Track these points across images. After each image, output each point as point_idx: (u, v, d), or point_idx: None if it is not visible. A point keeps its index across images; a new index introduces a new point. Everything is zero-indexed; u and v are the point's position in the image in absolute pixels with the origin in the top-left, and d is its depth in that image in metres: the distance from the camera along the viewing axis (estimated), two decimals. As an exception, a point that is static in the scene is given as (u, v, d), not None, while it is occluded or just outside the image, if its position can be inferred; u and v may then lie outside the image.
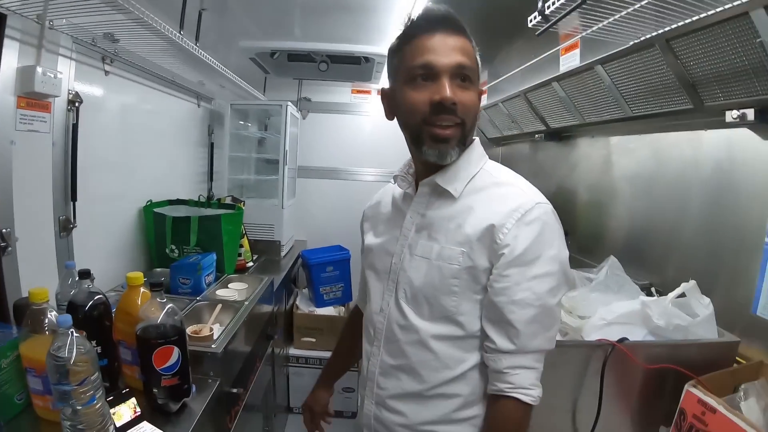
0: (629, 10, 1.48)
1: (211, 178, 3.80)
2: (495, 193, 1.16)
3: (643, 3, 1.42)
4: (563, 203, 3.05)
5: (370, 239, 1.39)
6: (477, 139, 1.26)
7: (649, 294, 2.00)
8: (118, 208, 2.47)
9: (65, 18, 1.68)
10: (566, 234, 2.69)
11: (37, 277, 1.76)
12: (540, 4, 1.65)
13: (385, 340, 1.25)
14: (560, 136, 3.21)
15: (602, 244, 2.68)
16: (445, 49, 1.10)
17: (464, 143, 1.18)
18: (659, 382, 1.54)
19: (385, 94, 1.27)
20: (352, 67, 3.60)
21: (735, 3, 1.30)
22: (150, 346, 1.34)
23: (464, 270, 1.12)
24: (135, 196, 2.62)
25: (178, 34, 2.00)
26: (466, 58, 1.12)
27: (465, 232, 1.13)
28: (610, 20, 1.58)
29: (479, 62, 1.18)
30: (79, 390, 1.10)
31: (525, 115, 3.21)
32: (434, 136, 1.12)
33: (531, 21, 1.72)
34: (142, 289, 1.48)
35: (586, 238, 2.78)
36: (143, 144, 2.64)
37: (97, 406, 1.15)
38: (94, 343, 1.40)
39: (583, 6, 1.47)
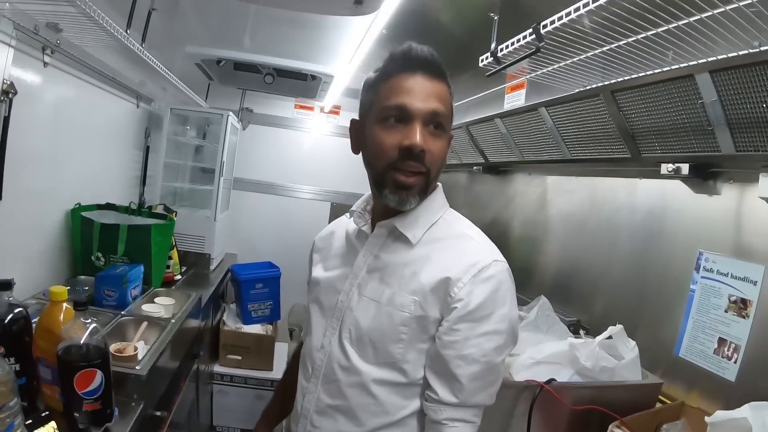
0: (580, 57, 1.53)
1: (143, 183, 3.66)
2: (453, 246, 1.14)
3: (594, 52, 1.47)
4: (497, 236, 3.08)
5: (319, 272, 1.33)
6: (440, 186, 1.23)
7: (578, 331, 2.07)
8: (43, 208, 2.32)
9: (9, 2, 1.60)
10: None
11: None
12: (493, 46, 1.69)
13: (323, 379, 1.19)
14: (498, 170, 3.29)
15: (533, 279, 2.75)
16: (423, 94, 1.07)
17: (426, 191, 1.15)
18: (585, 422, 1.58)
19: (354, 127, 1.23)
20: (298, 82, 3.59)
21: (682, 65, 1.38)
22: (72, 369, 1.26)
23: (414, 319, 1.09)
24: (62, 196, 2.47)
25: (124, 33, 1.93)
26: (442, 105, 1.09)
27: (420, 281, 1.10)
28: (560, 65, 1.64)
29: (453, 108, 1.16)
30: (-4, 416, 1.02)
31: (465, 147, 3.28)
32: (397, 182, 1.09)
33: (482, 61, 1.76)
34: (65, 305, 1.39)
35: (517, 272, 2.79)
36: (75, 142, 2.51)
37: (15, 433, 1.07)
38: (12, 360, 1.31)
39: (540, 41, 1.51)
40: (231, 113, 3.55)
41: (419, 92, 1.07)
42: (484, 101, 2.69)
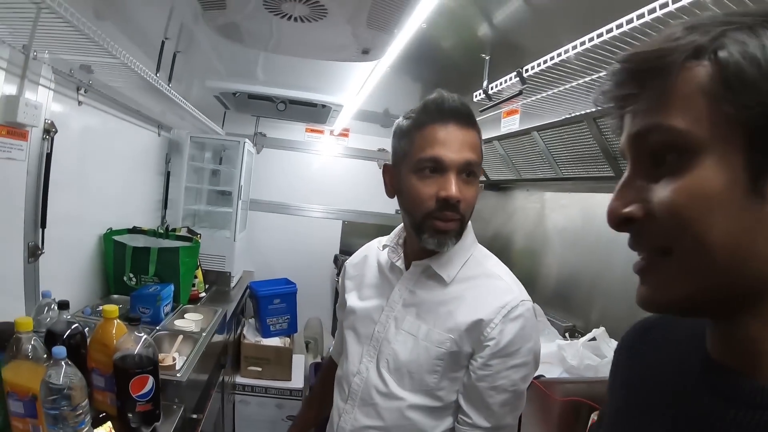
0: (563, 88, 1.70)
1: (165, 206, 3.88)
2: (484, 285, 1.21)
3: (575, 83, 1.64)
4: (500, 249, 3.30)
5: (354, 301, 1.40)
6: (469, 224, 1.27)
7: (574, 335, 2.26)
8: (78, 233, 2.53)
9: (48, 51, 1.76)
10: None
11: (5, 302, 1.82)
12: (485, 84, 1.89)
13: (360, 402, 1.27)
14: (499, 187, 3.49)
15: (534, 288, 2.92)
16: (456, 144, 1.12)
17: (461, 234, 1.21)
18: (573, 414, 1.75)
19: (388, 172, 1.28)
20: (309, 109, 3.75)
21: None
22: (128, 375, 1.46)
23: (449, 354, 1.17)
24: (94, 221, 2.68)
25: (154, 76, 2.12)
26: (474, 154, 1.15)
27: (455, 320, 1.18)
28: (546, 95, 1.81)
29: (483, 152, 1.21)
30: (73, 414, 1.22)
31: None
32: (436, 228, 1.15)
33: (476, 97, 1.95)
34: (116, 321, 1.60)
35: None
36: (104, 170, 2.70)
37: (85, 430, 1.27)
38: (72, 370, 1.52)
39: (522, 84, 1.69)
40: (247, 140, 3.77)
41: (453, 143, 1.12)
42: (483, 124, 2.83)
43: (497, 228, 3.50)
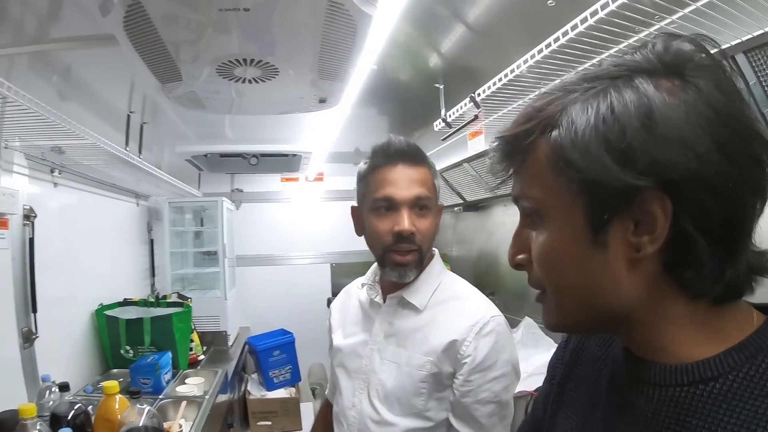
0: (517, 104, 1.75)
1: (152, 274, 3.90)
2: (455, 307, 1.29)
3: (530, 96, 1.65)
4: (487, 266, 3.36)
5: (339, 339, 1.47)
6: (436, 253, 1.39)
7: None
8: (70, 313, 2.54)
9: (18, 138, 1.81)
10: (492, 294, 2.91)
11: (5, 390, 1.81)
12: (443, 113, 1.95)
13: None
14: (477, 206, 3.55)
15: (526, 300, 2.97)
16: (405, 182, 1.23)
17: (422, 263, 1.30)
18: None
19: (354, 213, 1.38)
20: (281, 159, 3.81)
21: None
22: (137, 447, 1.48)
23: (431, 375, 1.23)
24: (84, 299, 2.70)
25: (124, 151, 2.17)
26: (424, 188, 1.25)
27: (431, 343, 1.24)
28: (504, 111, 1.85)
29: (437, 186, 1.31)
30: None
31: (444, 191, 3.52)
32: (395, 261, 1.26)
33: (436, 126, 2.01)
34: (118, 396, 1.62)
35: (511, 297, 3.07)
36: (89, 247, 2.74)
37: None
38: (79, 449, 1.53)
39: (477, 108, 1.75)
40: (224, 198, 3.83)
41: (401, 181, 1.24)
42: (451, 148, 2.95)
43: (481, 246, 3.54)
